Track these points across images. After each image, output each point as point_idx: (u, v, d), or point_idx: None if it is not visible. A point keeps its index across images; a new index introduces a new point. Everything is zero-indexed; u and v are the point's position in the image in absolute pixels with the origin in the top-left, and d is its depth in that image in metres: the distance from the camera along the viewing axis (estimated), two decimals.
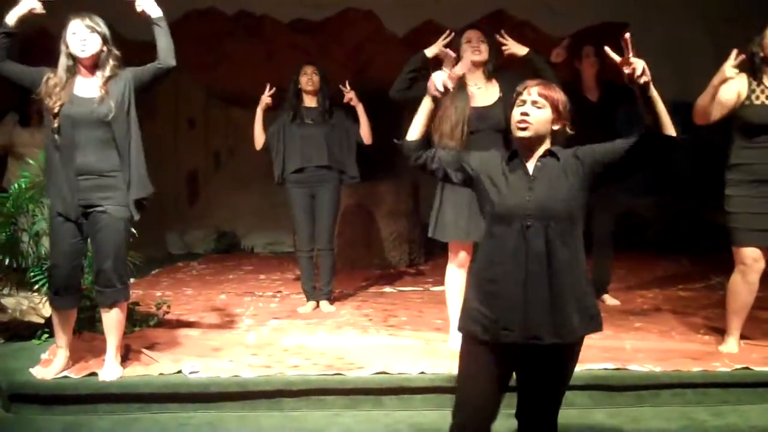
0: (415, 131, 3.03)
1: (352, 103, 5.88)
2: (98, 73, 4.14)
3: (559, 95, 2.93)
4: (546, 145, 2.91)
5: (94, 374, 4.24)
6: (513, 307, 2.77)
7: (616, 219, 6.03)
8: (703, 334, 4.97)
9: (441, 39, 4.80)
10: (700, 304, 5.88)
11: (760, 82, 4.39)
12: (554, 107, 2.90)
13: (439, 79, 2.94)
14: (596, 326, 2.89)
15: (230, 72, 9.11)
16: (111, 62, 4.16)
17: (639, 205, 8.80)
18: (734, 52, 4.26)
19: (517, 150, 2.95)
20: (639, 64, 2.73)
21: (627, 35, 2.76)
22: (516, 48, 4.72)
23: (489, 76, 4.66)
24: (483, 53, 4.62)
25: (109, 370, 4.22)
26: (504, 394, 2.95)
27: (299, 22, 9.12)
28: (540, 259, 2.76)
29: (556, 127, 2.92)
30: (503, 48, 4.75)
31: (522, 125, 2.87)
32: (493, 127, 4.51)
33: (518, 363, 2.90)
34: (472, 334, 2.86)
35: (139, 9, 4.22)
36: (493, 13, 8.77)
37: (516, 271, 2.78)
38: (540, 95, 2.89)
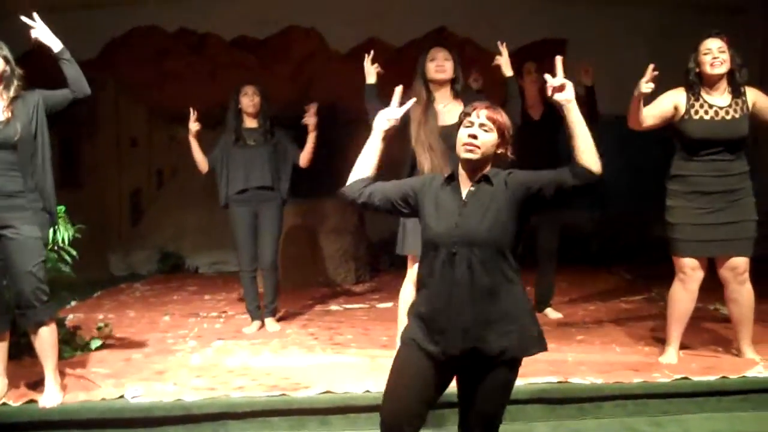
0: (366, 170, 3.04)
1: (308, 128, 5.83)
2: (3, 95, 4.05)
3: (505, 120, 2.97)
4: (486, 169, 2.94)
5: (33, 401, 4.14)
6: (440, 327, 2.83)
7: (560, 235, 6.12)
8: (644, 345, 5.06)
9: (368, 63, 4.89)
10: (640, 316, 5.98)
11: (698, 97, 4.50)
12: (500, 132, 2.94)
13: (384, 117, 3.03)
14: (536, 347, 2.91)
15: (173, 90, 9.05)
16: (15, 82, 4.07)
17: (580, 218, 8.93)
18: (650, 67, 4.37)
19: (453, 173, 2.98)
20: (566, 85, 2.80)
21: (558, 57, 2.78)
22: (505, 66, 4.83)
23: (456, 95, 4.70)
24: (447, 71, 4.65)
25: (50, 396, 4.12)
26: (429, 406, 2.97)
27: (242, 40, 9.11)
28: (462, 285, 2.80)
29: (499, 152, 2.95)
30: (496, 59, 4.83)
31: (469, 147, 2.89)
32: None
33: (451, 377, 2.95)
34: (411, 339, 2.91)
35: (33, 37, 4.10)
36: (436, 30, 8.86)
37: (441, 295, 2.83)
38: (488, 118, 2.92)
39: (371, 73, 4.89)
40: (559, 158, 5.92)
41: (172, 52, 9.15)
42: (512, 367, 2.89)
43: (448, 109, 4.65)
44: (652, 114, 4.54)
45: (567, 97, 2.81)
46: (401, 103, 3.12)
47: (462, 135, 2.92)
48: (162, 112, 9.28)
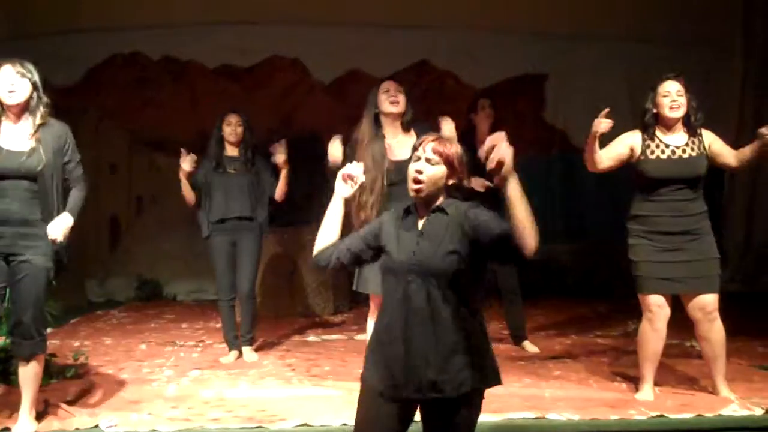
0: (331, 235, 3.04)
1: (278, 165, 5.84)
2: (29, 121, 4.06)
3: (453, 150, 2.98)
4: (440, 201, 2.95)
5: (6, 429, 4.09)
6: (397, 361, 2.83)
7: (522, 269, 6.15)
8: (620, 381, 5.08)
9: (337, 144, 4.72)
10: (617, 351, 6.01)
11: (653, 138, 4.58)
12: (448, 163, 2.94)
13: (346, 185, 3.03)
14: (492, 380, 2.92)
15: (154, 117, 9.07)
16: (42, 109, 4.08)
17: (558, 251, 8.98)
18: (605, 111, 4.46)
19: (410, 206, 3.01)
20: (506, 156, 2.70)
21: (502, 134, 2.76)
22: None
23: (407, 128, 4.70)
24: (400, 104, 4.65)
25: (23, 425, 4.07)
26: None
27: (225, 68, 9.12)
28: (421, 316, 2.80)
29: (450, 182, 2.98)
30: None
31: (414, 186, 2.93)
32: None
33: (415, 408, 2.94)
34: (368, 385, 2.92)
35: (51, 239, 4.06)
36: (417, 63, 8.94)
37: (399, 326, 2.83)
38: (434, 152, 2.94)
39: (336, 153, 4.65)
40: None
41: (155, 79, 9.14)
42: (474, 400, 2.89)
43: (399, 143, 4.66)
44: (607, 156, 4.61)
45: (505, 170, 2.71)
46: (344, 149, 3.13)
47: (410, 171, 2.96)
48: (142, 138, 9.28)
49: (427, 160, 2.93)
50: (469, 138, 5.81)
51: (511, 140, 2.67)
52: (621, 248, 8.49)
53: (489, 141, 2.73)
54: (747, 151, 4.53)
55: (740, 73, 9.11)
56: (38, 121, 4.07)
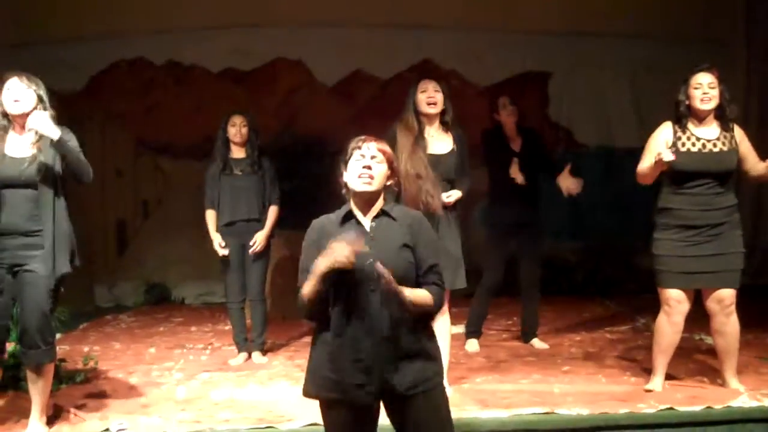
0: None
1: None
2: (33, 131, 4.07)
3: (391, 152, 3.06)
4: (380, 202, 2.99)
5: None
6: (355, 365, 2.83)
7: (541, 265, 6.17)
8: (630, 375, 5.08)
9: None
10: (626, 346, 6.00)
11: (685, 130, 4.55)
12: (390, 163, 3.01)
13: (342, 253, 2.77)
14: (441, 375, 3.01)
15: (159, 121, 9.08)
16: None
17: (565, 249, 8.98)
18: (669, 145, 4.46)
19: (350, 210, 2.99)
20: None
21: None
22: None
23: (446, 128, 4.78)
24: (438, 104, 4.72)
25: (34, 430, 4.10)
26: None
27: (229, 72, 9.13)
28: (382, 317, 2.82)
29: (389, 183, 3.03)
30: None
31: (365, 179, 2.95)
32: (444, 177, 4.61)
33: (377, 409, 2.97)
34: (324, 398, 2.94)
35: (28, 130, 4.05)
36: (421, 62, 8.94)
37: (360, 333, 2.83)
38: (379, 150, 3.00)
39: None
40: (538, 186, 6.01)
41: (159, 84, 9.16)
42: (431, 394, 2.92)
43: (436, 138, 4.74)
44: (651, 166, 4.54)
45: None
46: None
47: (355, 167, 2.98)
48: (148, 143, 9.28)
49: (372, 157, 2.98)
50: (498, 137, 5.86)
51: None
52: (628, 245, 8.59)
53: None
54: (761, 168, 4.53)
55: (744, 70, 9.09)
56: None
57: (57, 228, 4.10)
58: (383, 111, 5.29)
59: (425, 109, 4.71)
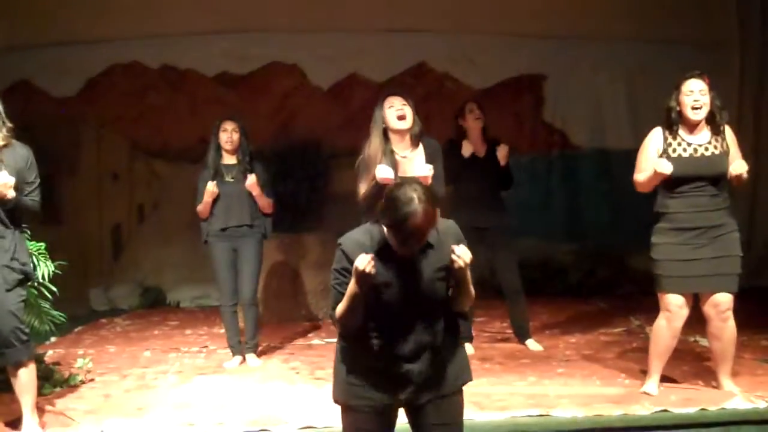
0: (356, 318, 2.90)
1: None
2: None
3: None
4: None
5: None
6: (391, 374, 2.87)
7: (525, 268, 6.18)
8: (624, 377, 5.09)
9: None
10: (621, 348, 6.01)
11: (675, 136, 4.55)
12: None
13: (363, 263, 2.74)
14: (467, 376, 3.03)
15: (154, 125, 9.06)
16: (3, 132, 4.11)
17: (560, 250, 8.99)
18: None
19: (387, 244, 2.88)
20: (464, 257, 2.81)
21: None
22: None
23: (415, 142, 4.66)
24: (408, 119, 4.59)
25: (29, 430, 4.10)
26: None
27: (223, 76, 9.13)
28: (424, 343, 2.86)
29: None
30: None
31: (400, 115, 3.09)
32: None
33: (397, 411, 3.00)
34: (354, 407, 2.95)
35: None
36: (416, 65, 8.96)
37: (395, 345, 2.86)
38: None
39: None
40: (500, 195, 6.02)
41: (154, 88, 9.14)
42: (458, 394, 2.98)
43: (408, 158, 4.63)
44: (650, 177, 4.54)
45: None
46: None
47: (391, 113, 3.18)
48: (143, 147, 9.27)
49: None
50: (458, 144, 5.83)
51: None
52: (622, 247, 8.60)
53: None
54: (732, 171, 4.50)
55: (738, 72, 9.10)
56: (0, 142, 4.10)
57: (16, 228, 4.12)
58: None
59: (395, 124, 4.57)
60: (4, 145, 4.10)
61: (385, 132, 4.60)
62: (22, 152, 4.16)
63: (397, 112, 4.57)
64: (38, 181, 4.25)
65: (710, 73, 4.62)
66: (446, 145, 5.49)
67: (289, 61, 9.09)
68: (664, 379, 4.79)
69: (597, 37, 8.97)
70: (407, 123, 4.59)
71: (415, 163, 4.60)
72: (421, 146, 4.67)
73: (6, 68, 8.00)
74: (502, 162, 5.88)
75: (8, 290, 4.04)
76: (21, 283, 4.13)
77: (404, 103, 4.61)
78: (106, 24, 8.47)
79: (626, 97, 9.17)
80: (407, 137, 4.64)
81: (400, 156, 4.61)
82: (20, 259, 4.12)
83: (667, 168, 4.39)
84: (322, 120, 8.87)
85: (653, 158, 4.54)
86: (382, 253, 2.82)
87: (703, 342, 5.22)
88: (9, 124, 4.14)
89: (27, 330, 4.14)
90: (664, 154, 4.52)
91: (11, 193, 4.00)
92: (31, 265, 4.24)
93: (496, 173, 5.94)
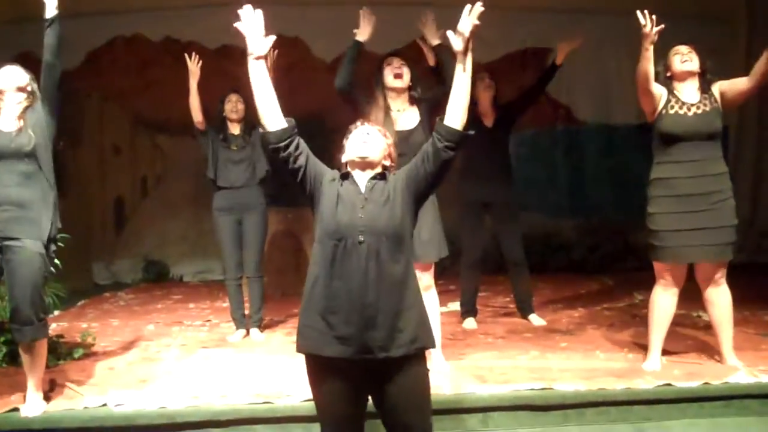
0: (276, 109, 3.16)
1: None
2: (15, 105, 4.10)
3: (386, 138, 3.23)
4: (378, 168, 3.11)
5: (16, 410, 4.12)
6: (348, 321, 2.88)
7: (529, 243, 6.18)
8: (627, 352, 5.09)
9: (365, 21, 4.95)
10: (624, 322, 6.01)
11: (672, 95, 4.60)
12: (387, 143, 3.19)
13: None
14: (431, 341, 3.04)
15: (156, 99, 9.02)
16: (27, 96, 4.15)
17: (564, 226, 8.98)
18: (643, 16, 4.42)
19: (348, 171, 3.10)
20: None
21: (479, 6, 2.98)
22: (430, 33, 4.92)
23: (413, 101, 4.76)
24: (404, 78, 4.73)
25: (32, 405, 4.11)
26: (361, 416, 3.08)
27: (226, 49, 9.07)
28: (370, 274, 2.88)
29: (386, 163, 3.18)
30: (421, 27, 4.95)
31: (365, 146, 3.10)
32: (415, 150, 4.56)
33: (366, 385, 3.00)
34: (312, 351, 2.97)
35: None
36: (420, 39, 8.87)
37: (349, 285, 2.88)
38: (377, 130, 3.17)
39: (362, 28, 4.93)
40: (510, 164, 6.01)
41: (156, 61, 9.10)
42: (421, 359, 3.01)
43: (404, 114, 4.73)
44: (652, 81, 4.53)
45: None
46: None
47: (356, 135, 3.15)
48: (145, 120, 9.26)
49: (367, 134, 3.13)
50: (471, 113, 5.80)
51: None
52: (626, 222, 8.58)
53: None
54: (760, 63, 4.51)
55: (745, 50, 9.03)
56: (24, 104, 4.13)
57: (45, 200, 4.10)
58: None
59: (391, 82, 4.72)
60: (27, 107, 4.13)
61: (384, 91, 4.76)
62: (38, 107, 4.17)
63: (394, 70, 4.74)
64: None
65: (716, 48, 4.63)
66: None
67: (291, 34, 9.03)
68: (667, 353, 4.79)
69: (602, 12, 8.90)
70: (403, 82, 4.73)
71: (404, 117, 4.73)
72: (415, 105, 4.78)
73: (8, 40, 7.95)
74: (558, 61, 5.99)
75: (32, 265, 4.02)
76: (47, 258, 4.12)
77: (402, 63, 4.77)
78: None
79: (631, 72, 9.10)
80: (405, 96, 4.77)
81: (395, 111, 4.72)
82: (45, 232, 4.11)
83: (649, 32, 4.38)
84: (325, 93, 8.75)
85: (655, 87, 4.57)
86: (343, 179, 3.07)
87: (706, 317, 5.21)
88: (36, 89, 4.18)
89: (46, 308, 4.15)
90: (663, 110, 4.57)
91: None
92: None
93: (506, 143, 5.90)
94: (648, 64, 4.46)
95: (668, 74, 4.63)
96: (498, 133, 5.91)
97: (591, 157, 9.21)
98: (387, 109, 4.67)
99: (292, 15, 8.74)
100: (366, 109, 4.65)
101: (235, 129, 5.94)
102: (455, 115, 3.01)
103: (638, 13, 4.35)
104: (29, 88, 4.18)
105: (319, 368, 2.99)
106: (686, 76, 4.59)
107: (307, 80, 8.99)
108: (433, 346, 3.07)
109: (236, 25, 3.03)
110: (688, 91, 4.60)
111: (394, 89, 4.73)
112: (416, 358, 2.98)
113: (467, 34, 2.97)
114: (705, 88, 4.61)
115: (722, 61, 4.64)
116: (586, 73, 9.10)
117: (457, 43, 3.00)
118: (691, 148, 4.49)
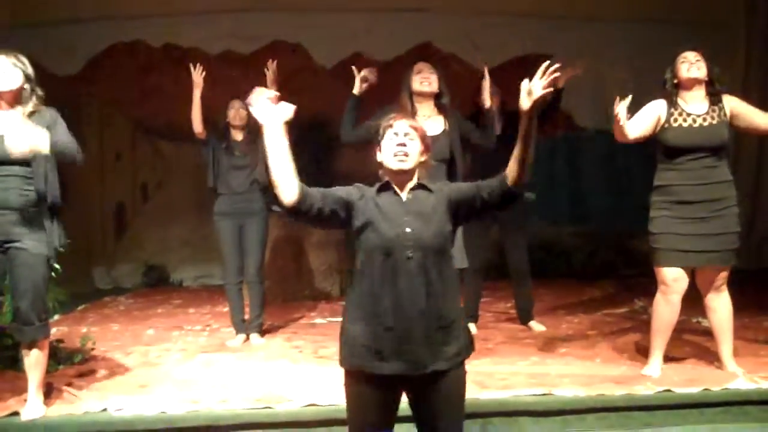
0: (291, 171, 2.94)
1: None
2: (18, 108, 4.08)
3: (423, 127, 3.09)
4: (415, 177, 3.02)
5: (16, 414, 4.12)
6: (397, 337, 2.84)
7: (529, 250, 6.17)
8: (627, 358, 5.09)
9: (357, 76, 4.99)
10: (624, 329, 6.01)
11: (676, 106, 4.57)
12: (422, 139, 3.04)
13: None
14: (470, 350, 3.01)
15: (157, 105, 9.04)
16: (33, 100, 4.12)
17: (564, 232, 8.98)
18: (617, 99, 4.45)
19: (388, 182, 3.01)
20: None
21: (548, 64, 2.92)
22: (486, 96, 5.05)
23: (440, 109, 4.85)
24: (432, 84, 4.82)
25: (32, 408, 4.11)
26: (393, 422, 3.03)
27: (227, 55, 9.10)
28: (419, 291, 2.84)
29: (423, 159, 3.04)
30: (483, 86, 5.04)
31: (401, 157, 2.97)
32: (437, 157, 4.60)
33: (404, 393, 2.98)
34: (357, 367, 2.92)
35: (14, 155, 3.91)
36: (420, 45, 8.91)
37: (399, 302, 2.84)
38: (411, 127, 3.02)
39: (356, 84, 5.01)
40: None
41: (157, 67, 9.12)
42: (461, 364, 2.97)
43: (429, 120, 4.76)
44: (635, 126, 4.56)
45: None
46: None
47: (390, 146, 2.99)
48: (146, 126, 9.27)
49: (405, 135, 2.99)
50: (476, 122, 5.82)
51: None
52: (626, 228, 8.59)
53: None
54: None
55: (743, 55, 9.06)
56: (29, 109, 4.09)
57: (49, 204, 4.10)
58: (383, 94, 5.28)
59: (418, 87, 4.81)
60: (33, 112, 4.10)
61: (411, 97, 4.86)
62: (49, 115, 4.14)
63: (422, 77, 4.83)
64: (69, 133, 4.16)
65: (715, 55, 4.62)
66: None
67: (293, 40, 9.05)
68: (667, 359, 4.79)
69: (602, 19, 8.93)
70: (431, 87, 4.84)
71: (429, 123, 4.73)
72: (440, 113, 4.88)
73: (9, 46, 7.97)
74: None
75: (34, 267, 4.03)
76: (48, 261, 4.13)
77: (432, 71, 4.87)
78: (109, 2, 8.45)
79: (632, 79, 9.12)
80: (432, 102, 4.87)
81: (421, 116, 4.78)
82: (60, 238, 4.14)
83: (619, 111, 4.39)
84: (327, 99, 8.80)
85: (646, 114, 4.58)
86: (381, 191, 2.98)
87: (706, 323, 5.21)
88: (40, 93, 4.15)
89: (48, 309, 4.15)
90: (666, 123, 4.54)
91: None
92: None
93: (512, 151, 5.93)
94: (617, 126, 4.47)
95: (675, 81, 4.59)
96: (506, 140, 5.89)
97: (591, 163, 9.22)
98: (414, 114, 4.70)
99: (292, 21, 8.79)
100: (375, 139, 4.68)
101: (238, 135, 5.96)
102: (523, 172, 2.98)
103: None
104: (25, 93, 4.11)
105: (361, 382, 2.94)
106: (693, 83, 4.56)
107: (308, 86, 9.00)
108: (473, 351, 3.05)
109: (251, 110, 2.97)
110: (695, 100, 4.57)
111: (421, 93, 4.83)
112: (458, 369, 2.96)
113: (536, 95, 2.89)
114: (714, 100, 4.57)
115: (721, 67, 4.63)
116: (586, 79, 9.09)
117: (525, 102, 2.90)
118: (694, 159, 4.48)
